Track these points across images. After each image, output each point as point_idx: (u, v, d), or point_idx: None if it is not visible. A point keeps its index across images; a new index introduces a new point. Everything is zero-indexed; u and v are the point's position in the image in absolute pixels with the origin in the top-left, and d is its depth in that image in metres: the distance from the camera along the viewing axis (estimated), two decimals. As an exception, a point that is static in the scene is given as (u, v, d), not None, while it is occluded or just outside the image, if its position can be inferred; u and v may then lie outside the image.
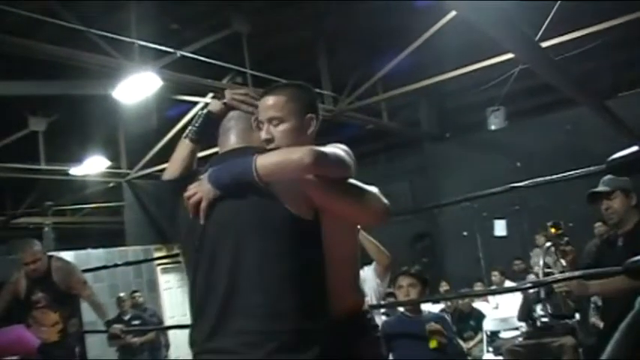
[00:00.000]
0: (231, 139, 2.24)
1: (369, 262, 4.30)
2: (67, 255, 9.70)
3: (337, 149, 2.08)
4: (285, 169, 1.94)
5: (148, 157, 11.51)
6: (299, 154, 1.92)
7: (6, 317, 6.51)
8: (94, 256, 10.66)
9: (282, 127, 2.12)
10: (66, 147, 11.03)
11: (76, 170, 11.30)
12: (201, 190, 2.02)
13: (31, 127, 10.22)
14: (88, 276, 8.10)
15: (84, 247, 11.10)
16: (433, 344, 3.81)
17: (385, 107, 11.45)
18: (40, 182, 12.12)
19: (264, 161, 1.95)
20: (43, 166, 10.63)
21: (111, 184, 12.78)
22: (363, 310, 2.28)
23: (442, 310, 8.14)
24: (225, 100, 2.32)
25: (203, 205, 2.02)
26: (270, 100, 2.16)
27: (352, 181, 2.08)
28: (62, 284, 5.20)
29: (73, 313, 5.38)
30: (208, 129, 2.33)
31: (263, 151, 2.08)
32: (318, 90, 9.73)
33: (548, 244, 3.78)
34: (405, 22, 8.30)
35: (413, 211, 11.20)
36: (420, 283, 3.95)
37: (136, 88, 7.78)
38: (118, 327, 5.33)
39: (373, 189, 2.10)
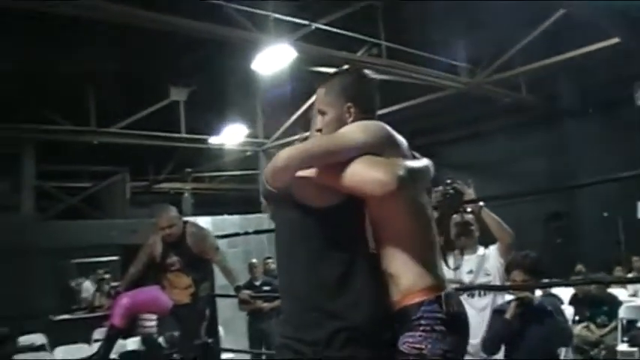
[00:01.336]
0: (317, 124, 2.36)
1: (494, 242, 4.19)
2: (204, 220, 10.07)
3: (331, 137, 2.12)
4: (272, 173, 2.09)
5: (284, 127, 11.71)
6: (274, 160, 2.08)
7: (144, 278, 6.91)
8: (230, 222, 10.95)
9: (325, 118, 2.25)
10: (205, 116, 11.40)
11: (214, 139, 11.67)
12: None
13: (172, 96, 10.64)
14: (222, 241, 8.39)
15: (221, 213, 11.45)
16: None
17: (524, 80, 11.03)
18: (180, 150, 12.63)
19: (266, 169, 2.14)
20: (184, 135, 11.05)
21: (248, 153, 13.11)
22: (421, 301, 2.05)
23: (575, 295, 7.85)
24: None
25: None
26: (316, 93, 2.30)
27: (365, 157, 2.03)
28: (195, 249, 5.37)
29: (204, 277, 5.55)
30: None
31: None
32: (453, 62, 9.57)
33: None
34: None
35: (548, 190, 10.75)
36: (534, 278, 3.82)
37: (272, 60, 7.91)
38: (247, 292, 5.45)
39: (392, 162, 2.01)
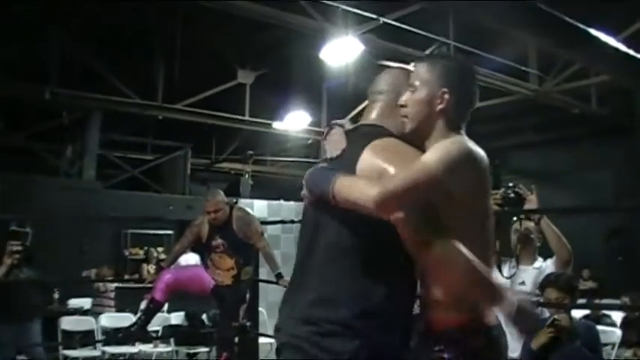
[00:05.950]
0: (372, 113, 2.19)
1: (551, 255, 4.03)
2: (261, 204, 10.16)
3: (421, 166, 1.85)
4: (356, 205, 1.87)
5: (346, 119, 11.66)
6: (370, 193, 1.81)
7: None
8: (286, 207, 10.98)
9: (415, 95, 2.06)
10: (270, 101, 11.47)
11: (278, 124, 11.75)
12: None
13: (239, 79, 10.75)
14: (277, 227, 8.46)
15: (277, 198, 11.51)
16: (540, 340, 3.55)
17: (595, 91, 10.73)
18: (243, 132, 12.75)
19: (341, 187, 1.90)
20: (247, 118, 11.15)
21: (309, 141, 13.16)
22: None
23: (625, 318, 7.62)
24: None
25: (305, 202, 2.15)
26: (414, 67, 2.12)
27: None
28: (240, 233, 5.46)
29: (247, 261, 5.63)
30: None
31: (392, 135, 2.05)
32: (523, 68, 9.39)
33: None
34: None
35: (607, 208, 10.40)
36: (570, 295, 3.63)
37: (340, 51, 7.91)
38: (287, 280, 5.49)
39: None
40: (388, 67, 2.28)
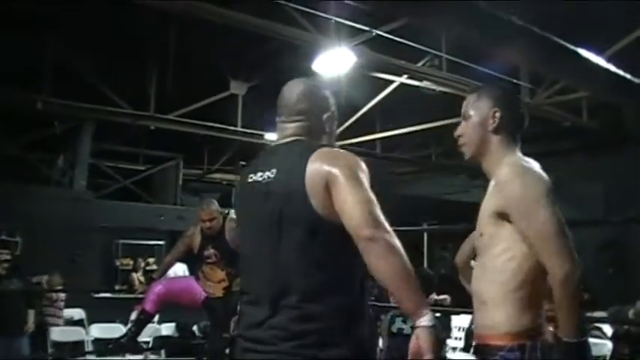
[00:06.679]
0: (292, 130, 2.22)
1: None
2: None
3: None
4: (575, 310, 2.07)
5: (339, 130, 11.69)
6: (563, 280, 2.06)
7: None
8: (277, 218, 10.95)
9: (468, 122, 2.27)
10: (263, 112, 11.46)
11: (270, 135, 11.74)
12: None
13: (232, 89, 10.74)
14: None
15: (269, 209, 11.46)
16: None
17: (586, 104, 10.77)
18: (235, 142, 12.72)
19: (570, 329, 2.03)
20: (239, 128, 11.14)
21: (303, 153, 13.13)
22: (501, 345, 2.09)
23: (615, 331, 7.61)
24: None
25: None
26: (466, 99, 2.33)
27: None
28: (233, 244, 5.42)
29: (239, 273, 5.60)
30: None
31: (314, 145, 2.10)
32: (514, 80, 9.41)
33: None
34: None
35: (598, 222, 10.39)
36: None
37: (333, 62, 7.92)
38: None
39: None
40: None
